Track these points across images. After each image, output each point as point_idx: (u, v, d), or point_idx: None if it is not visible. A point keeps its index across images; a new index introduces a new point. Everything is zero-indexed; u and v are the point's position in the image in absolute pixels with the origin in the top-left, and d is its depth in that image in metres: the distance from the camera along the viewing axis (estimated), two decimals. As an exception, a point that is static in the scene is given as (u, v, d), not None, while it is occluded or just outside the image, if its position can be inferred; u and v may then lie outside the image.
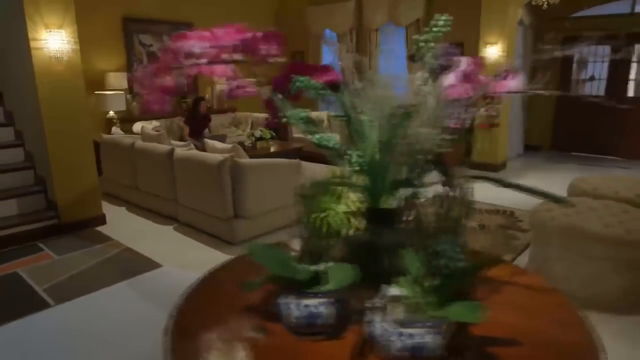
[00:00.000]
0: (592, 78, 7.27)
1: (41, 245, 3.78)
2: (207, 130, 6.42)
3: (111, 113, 6.16)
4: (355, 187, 1.14)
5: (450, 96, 1.04)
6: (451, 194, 1.20)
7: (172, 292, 1.44)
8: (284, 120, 1.16)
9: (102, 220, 4.27)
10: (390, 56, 7.77)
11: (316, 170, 4.86)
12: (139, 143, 4.62)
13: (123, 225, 4.28)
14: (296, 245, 1.22)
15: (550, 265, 2.86)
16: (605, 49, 7.04)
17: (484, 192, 5.27)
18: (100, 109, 6.07)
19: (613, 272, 2.60)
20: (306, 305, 1.03)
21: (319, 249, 1.18)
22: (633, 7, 6.72)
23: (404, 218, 1.20)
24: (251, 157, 4.35)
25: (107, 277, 3.18)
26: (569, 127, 7.47)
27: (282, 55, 0.96)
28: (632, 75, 6.97)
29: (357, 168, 1.11)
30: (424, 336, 0.90)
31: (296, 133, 7.07)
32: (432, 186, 1.28)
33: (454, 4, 6.78)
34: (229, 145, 4.08)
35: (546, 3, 4.60)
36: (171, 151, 4.15)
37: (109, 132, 5.70)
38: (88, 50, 5.64)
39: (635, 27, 6.61)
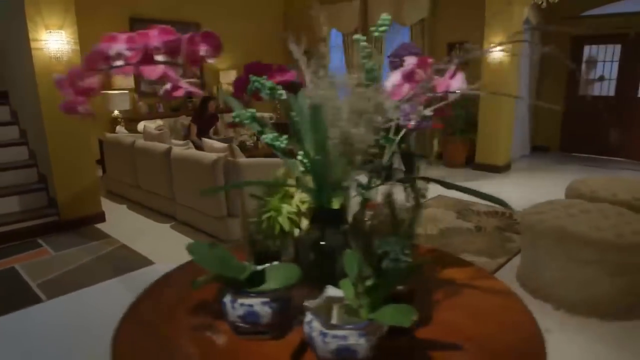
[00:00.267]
0: (601, 78, 7.12)
1: (40, 241, 3.86)
2: (212, 130, 6.47)
3: (116, 112, 6.26)
4: (302, 187, 1.14)
5: (393, 96, 1.03)
6: (396, 194, 1.19)
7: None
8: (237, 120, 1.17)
9: (101, 217, 4.34)
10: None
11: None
12: (139, 142, 4.69)
13: (122, 223, 4.35)
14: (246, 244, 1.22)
15: (540, 269, 2.81)
16: (616, 48, 6.90)
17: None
18: (105, 109, 6.17)
19: (602, 277, 2.55)
20: (244, 305, 1.04)
21: (267, 249, 1.18)
22: (644, 6, 6.56)
23: (359, 219, 1.19)
24: (252, 156, 4.38)
25: (100, 273, 3.24)
26: (577, 128, 7.34)
27: (217, 56, 0.97)
28: (643, 75, 6.82)
29: (303, 168, 1.12)
30: (350, 338, 0.90)
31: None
32: (389, 185, 1.27)
33: (457, 3, 6.73)
34: (225, 145, 4.11)
35: (545, 2, 4.52)
36: (168, 150, 4.20)
37: (114, 132, 5.80)
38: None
39: (646, 26, 6.46)
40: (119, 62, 0.81)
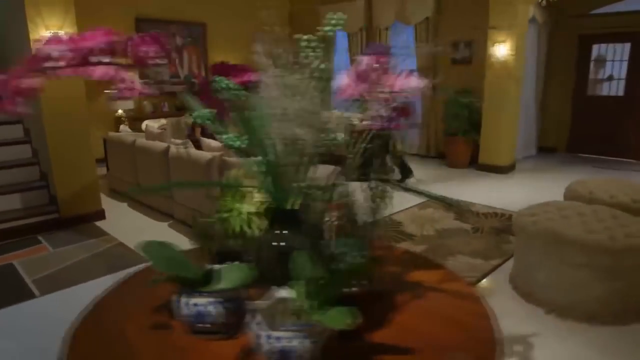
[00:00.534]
0: (610, 78, 6.98)
1: (40, 238, 3.93)
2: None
3: (120, 111, 6.34)
4: (260, 187, 1.14)
5: (342, 96, 1.02)
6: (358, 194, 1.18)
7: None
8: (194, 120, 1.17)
9: (101, 215, 4.40)
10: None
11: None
12: (140, 141, 4.74)
13: (121, 221, 4.40)
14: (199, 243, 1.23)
15: (531, 271, 2.77)
16: (625, 47, 6.76)
17: (486, 195, 5.17)
18: (109, 108, 6.25)
19: (594, 281, 2.50)
20: (195, 304, 1.04)
21: (224, 249, 1.18)
22: (655, 3, 6.41)
23: (315, 219, 1.18)
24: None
25: (95, 270, 3.28)
26: (585, 129, 7.20)
27: (164, 57, 0.97)
28: (654, 74, 6.66)
29: (259, 169, 1.11)
30: (294, 340, 0.89)
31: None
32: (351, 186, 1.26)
33: (462, 2, 6.66)
34: (221, 144, 4.13)
35: (545, 1, 4.43)
36: (167, 149, 4.23)
37: (118, 131, 5.87)
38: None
39: (656, 24, 6.32)
40: (61, 63, 0.82)
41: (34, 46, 3.74)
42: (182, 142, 4.49)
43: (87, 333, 1.16)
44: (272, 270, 1.11)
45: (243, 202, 1.16)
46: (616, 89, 6.95)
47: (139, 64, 0.92)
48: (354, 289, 1.10)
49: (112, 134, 5.46)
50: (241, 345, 1.06)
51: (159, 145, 4.40)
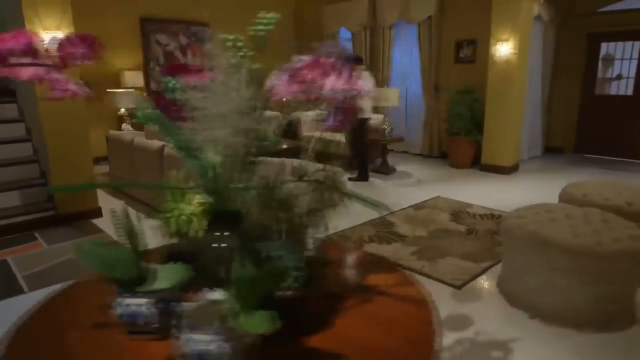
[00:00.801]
0: (619, 77, 6.81)
1: (36, 234, 4.00)
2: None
3: (122, 110, 6.41)
4: (198, 188, 1.13)
5: (275, 96, 1.01)
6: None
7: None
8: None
9: (98, 213, 4.46)
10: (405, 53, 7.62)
11: (309, 169, 4.85)
12: (138, 139, 4.79)
13: (118, 219, 4.44)
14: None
15: (517, 275, 2.72)
16: (635, 46, 6.59)
17: (486, 195, 5.09)
18: (112, 106, 6.33)
19: (579, 286, 2.44)
20: (127, 305, 1.04)
21: (174, 249, 1.18)
22: (666, 0, 6.23)
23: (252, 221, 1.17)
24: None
25: (86, 267, 3.32)
26: (593, 129, 7.05)
27: (97, 58, 0.97)
28: (665, 73, 6.48)
29: (197, 170, 1.11)
30: (210, 344, 0.89)
31: (306, 131, 7.09)
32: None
33: (465, 0, 6.56)
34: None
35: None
36: (162, 148, 4.27)
37: (120, 129, 5.94)
38: (106, 50, 5.90)
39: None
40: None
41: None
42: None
43: (30, 330, 1.18)
44: (210, 272, 1.11)
45: (184, 203, 1.15)
46: (625, 88, 6.78)
47: (67, 65, 0.92)
48: (288, 292, 1.08)
49: (112, 132, 5.53)
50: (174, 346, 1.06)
51: (155, 144, 4.44)
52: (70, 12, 4.03)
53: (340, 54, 1.18)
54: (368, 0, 7.45)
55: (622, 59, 6.74)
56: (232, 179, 1.09)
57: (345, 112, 1.14)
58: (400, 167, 6.54)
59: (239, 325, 0.90)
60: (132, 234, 1.10)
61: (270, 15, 1.01)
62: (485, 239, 3.78)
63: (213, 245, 1.11)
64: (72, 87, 1.03)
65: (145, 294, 1.05)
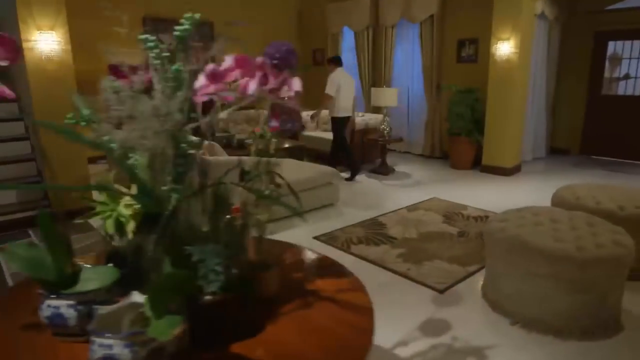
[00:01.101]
0: (626, 76, 6.63)
1: (30, 232, 4.06)
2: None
3: (123, 109, 6.47)
4: (124, 191, 1.13)
5: (198, 96, 0.99)
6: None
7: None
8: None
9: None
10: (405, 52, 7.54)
11: (304, 169, 4.82)
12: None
13: (112, 217, 4.49)
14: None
15: (499, 280, 2.66)
16: (643, 45, 6.41)
17: (484, 197, 5.00)
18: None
19: (559, 293, 2.37)
20: (49, 306, 1.04)
21: (113, 251, 1.18)
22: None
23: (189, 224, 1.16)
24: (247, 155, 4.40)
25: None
26: (600, 129, 6.87)
27: (16, 60, 0.96)
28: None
29: (126, 172, 1.10)
30: (115, 348, 0.87)
31: (305, 131, 7.07)
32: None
33: (465, -1, 6.47)
34: (206, 142, 4.16)
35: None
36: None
37: (120, 128, 6.00)
38: (105, 50, 5.96)
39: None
40: None
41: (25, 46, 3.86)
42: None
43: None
44: (135, 275, 1.10)
45: (118, 205, 1.15)
46: (633, 88, 6.60)
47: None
48: (215, 296, 1.07)
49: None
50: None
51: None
52: (64, 12, 4.07)
53: (283, 54, 1.16)
54: (370, 0, 7.40)
55: (629, 58, 6.56)
56: (158, 181, 1.08)
57: (287, 113, 1.11)
58: (400, 168, 6.48)
59: (143, 331, 0.88)
60: (52, 236, 1.09)
61: (196, 16, 0.99)
62: (476, 242, 3.72)
63: (137, 248, 1.10)
64: (6, 90, 1.02)
65: (69, 296, 1.05)
